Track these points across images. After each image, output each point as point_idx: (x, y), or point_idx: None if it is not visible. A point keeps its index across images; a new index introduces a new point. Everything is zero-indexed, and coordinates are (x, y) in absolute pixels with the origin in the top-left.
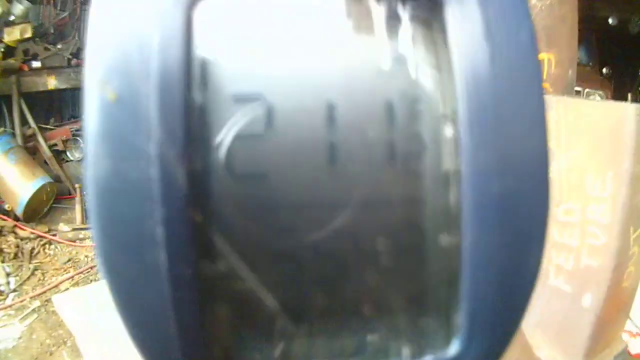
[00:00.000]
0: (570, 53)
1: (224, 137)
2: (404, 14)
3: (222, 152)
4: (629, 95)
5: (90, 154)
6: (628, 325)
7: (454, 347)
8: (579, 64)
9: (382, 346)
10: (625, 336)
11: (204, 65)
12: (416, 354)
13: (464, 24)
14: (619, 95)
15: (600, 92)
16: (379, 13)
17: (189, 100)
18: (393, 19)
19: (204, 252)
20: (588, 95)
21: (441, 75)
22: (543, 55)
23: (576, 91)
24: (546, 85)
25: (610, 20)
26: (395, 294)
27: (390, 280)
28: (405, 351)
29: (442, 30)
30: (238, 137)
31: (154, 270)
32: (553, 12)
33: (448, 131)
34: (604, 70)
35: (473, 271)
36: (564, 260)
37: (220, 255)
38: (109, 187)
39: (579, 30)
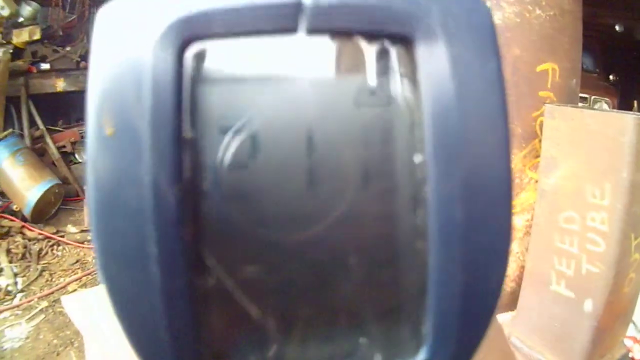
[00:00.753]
0: (574, 62)
1: (212, 164)
2: (377, 48)
3: (210, 177)
4: (635, 103)
5: (91, 180)
6: (632, 331)
7: (421, 355)
8: (585, 71)
9: (356, 353)
10: (628, 342)
11: (193, 101)
12: None
13: (431, 61)
14: (625, 102)
15: (607, 99)
16: (354, 49)
17: (179, 133)
18: (366, 54)
19: (195, 266)
20: (594, 102)
21: (411, 107)
22: (547, 65)
23: (582, 98)
24: (550, 94)
25: (616, 28)
26: (368, 305)
27: (364, 293)
28: (378, 358)
29: (412, 65)
30: (224, 164)
31: (148, 283)
32: (556, 22)
33: (417, 159)
34: (610, 77)
35: (438, 287)
36: (565, 266)
37: (209, 269)
38: (108, 209)
39: (585, 37)
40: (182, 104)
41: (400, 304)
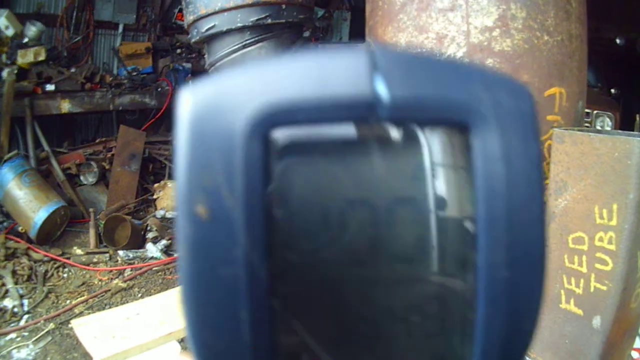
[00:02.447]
0: (580, 86)
1: (295, 241)
2: (438, 136)
3: (294, 254)
4: (637, 117)
5: (183, 257)
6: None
7: None
8: (587, 86)
9: None
10: (635, 354)
11: (279, 183)
12: None
13: (485, 145)
14: (627, 115)
15: (609, 114)
16: (419, 136)
17: (269, 214)
18: (431, 140)
19: (281, 330)
20: (597, 117)
21: (466, 186)
22: (555, 90)
23: (585, 113)
24: (558, 117)
25: (617, 41)
26: (424, 352)
27: (420, 341)
28: None
29: (468, 150)
30: (305, 242)
31: (240, 345)
32: (564, 47)
33: (470, 228)
34: (612, 91)
35: (485, 337)
36: (574, 285)
37: (293, 332)
38: (202, 283)
39: (588, 51)
40: (270, 188)
41: (451, 348)
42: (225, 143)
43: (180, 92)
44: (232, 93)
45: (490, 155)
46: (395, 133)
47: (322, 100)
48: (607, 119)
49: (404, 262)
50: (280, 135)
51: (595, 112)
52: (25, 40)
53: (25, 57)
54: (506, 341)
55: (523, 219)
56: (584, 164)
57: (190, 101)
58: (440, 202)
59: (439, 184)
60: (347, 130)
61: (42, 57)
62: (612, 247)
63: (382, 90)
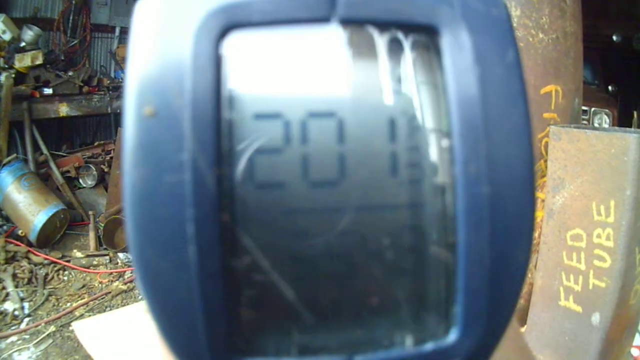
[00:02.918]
0: (576, 83)
1: (248, 149)
2: (406, 41)
3: (246, 162)
4: (635, 113)
5: (128, 162)
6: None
7: (452, 336)
8: (584, 83)
9: (388, 337)
10: (635, 352)
11: (231, 88)
12: (418, 343)
13: (456, 50)
14: (625, 112)
15: (607, 111)
16: (384, 41)
17: (217, 117)
18: (396, 46)
19: (230, 248)
20: (595, 114)
21: (437, 95)
22: (551, 87)
23: (582, 110)
24: (554, 115)
25: (614, 38)
26: (399, 290)
27: (394, 277)
28: (409, 340)
29: (438, 55)
30: (259, 150)
31: (184, 265)
32: (559, 45)
33: (444, 143)
34: (610, 88)
35: (467, 267)
36: (573, 282)
37: (244, 252)
38: (146, 191)
39: (583, 48)
40: (221, 90)
41: (429, 288)
42: (177, 43)
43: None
44: None
45: (462, 59)
46: (358, 36)
47: (276, 5)
48: (605, 116)
49: (373, 183)
50: (236, 38)
51: (592, 109)
52: (23, 44)
53: (22, 61)
54: (494, 273)
55: (503, 128)
56: (580, 161)
57: (144, 7)
58: (411, 113)
59: (410, 94)
60: (307, 33)
61: (39, 61)
62: (610, 243)
63: None
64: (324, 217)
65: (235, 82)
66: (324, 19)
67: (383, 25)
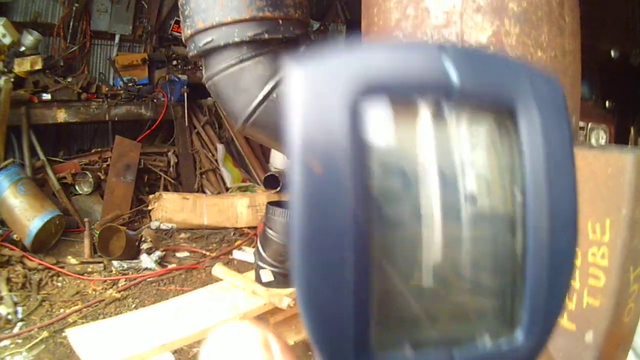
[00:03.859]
0: (573, 102)
1: (383, 197)
2: (496, 117)
3: (383, 207)
4: (632, 130)
5: (299, 209)
6: (631, 357)
7: (519, 336)
8: (582, 99)
9: (478, 336)
10: None
11: (372, 146)
12: (495, 340)
13: (529, 127)
14: (622, 128)
15: (604, 127)
16: (471, 116)
17: (369, 172)
18: (488, 120)
19: (376, 270)
20: (591, 130)
21: (515, 159)
22: None
23: (580, 128)
24: None
25: (612, 54)
26: (486, 303)
27: (480, 293)
28: (488, 338)
29: (516, 131)
30: (390, 197)
31: (341, 287)
32: (558, 63)
33: (519, 198)
34: (607, 103)
35: (531, 288)
36: (567, 300)
37: (385, 276)
38: (315, 231)
39: (582, 64)
40: (369, 151)
41: (504, 301)
42: (333, 114)
43: (290, 67)
44: (335, 73)
45: (534, 135)
46: (462, 112)
47: (409, 82)
48: (602, 132)
49: (470, 224)
50: (374, 108)
51: (589, 125)
52: (22, 48)
53: (22, 66)
54: (549, 293)
55: (560, 188)
56: (578, 180)
57: (302, 76)
58: (498, 175)
59: (498, 158)
60: (427, 110)
61: (38, 66)
62: (605, 262)
63: (454, 78)
64: (433, 253)
65: (374, 141)
66: (442, 103)
67: (481, 107)
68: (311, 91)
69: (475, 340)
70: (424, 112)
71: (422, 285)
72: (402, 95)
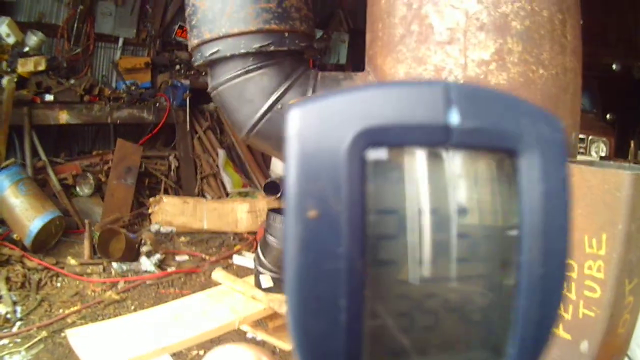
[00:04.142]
0: (573, 118)
1: (377, 239)
2: (496, 159)
3: (377, 249)
4: (632, 143)
5: (293, 251)
6: None
7: None
8: (582, 111)
9: None
10: None
11: (371, 193)
12: None
13: (529, 169)
14: (622, 141)
15: (604, 139)
16: (475, 158)
17: (365, 217)
18: (488, 162)
19: (369, 315)
20: (592, 142)
21: (513, 198)
22: None
23: (580, 139)
24: None
25: (614, 66)
26: (476, 337)
27: (469, 326)
28: None
29: (515, 171)
30: (384, 238)
31: (337, 327)
32: (559, 81)
33: (513, 234)
34: (608, 116)
35: (523, 321)
36: (563, 310)
37: (377, 315)
38: (309, 275)
39: (582, 76)
40: (367, 196)
41: (493, 331)
42: (331, 158)
43: (290, 110)
44: (335, 116)
45: (532, 175)
46: (461, 155)
47: (408, 126)
48: (602, 145)
49: (461, 262)
50: (373, 154)
51: (590, 137)
52: (26, 49)
53: (25, 66)
54: (539, 325)
55: (555, 227)
56: (575, 195)
57: (299, 120)
58: (493, 213)
59: (494, 198)
60: (424, 152)
61: (42, 67)
62: (601, 275)
63: (455, 119)
64: (423, 285)
65: (371, 186)
66: (439, 144)
67: (480, 148)
68: (310, 134)
69: None
70: (422, 152)
71: (413, 322)
72: (401, 139)
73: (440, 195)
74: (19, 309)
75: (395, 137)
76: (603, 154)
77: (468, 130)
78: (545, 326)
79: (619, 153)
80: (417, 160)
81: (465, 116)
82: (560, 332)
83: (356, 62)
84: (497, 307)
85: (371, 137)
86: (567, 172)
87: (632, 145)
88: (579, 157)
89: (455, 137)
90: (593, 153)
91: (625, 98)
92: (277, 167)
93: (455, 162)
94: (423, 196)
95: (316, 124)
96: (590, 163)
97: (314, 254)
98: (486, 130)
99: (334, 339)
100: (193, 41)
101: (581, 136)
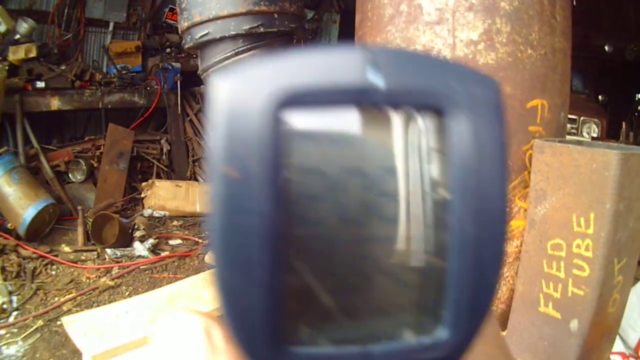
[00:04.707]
0: (562, 98)
1: (299, 197)
2: (421, 119)
3: (298, 207)
4: (624, 124)
5: (215, 209)
6: (621, 348)
7: (442, 333)
8: (574, 92)
9: (395, 332)
10: (617, 358)
11: (289, 151)
12: (418, 337)
13: (458, 129)
14: (614, 122)
15: (596, 120)
16: (404, 117)
17: (281, 175)
18: (413, 121)
19: (287, 269)
20: (584, 123)
21: (442, 160)
22: (537, 101)
23: (571, 120)
24: (539, 128)
25: (606, 48)
26: (405, 298)
27: (402, 289)
28: (411, 335)
29: (444, 131)
30: (307, 197)
31: (254, 281)
32: (547, 61)
33: (444, 195)
34: (600, 97)
35: (455, 284)
36: (553, 289)
37: (296, 271)
38: (229, 231)
39: (575, 58)
40: (282, 155)
41: (428, 297)
42: (249, 120)
43: (215, 78)
44: (255, 80)
45: (462, 135)
46: (386, 115)
47: (326, 86)
48: (594, 126)
49: (391, 222)
50: (294, 115)
51: (582, 118)
52: (17, 36)
53: (16, 54)
54: (474, 291)
55: (489, 188)
56: (563, 174)
57: (223, 87)
58: (423, 173)
59: (422, 159)
60: (347, 112)
61: (33, 54)
62: (589, 254)
63: (376, 79)
64: (351, 245)
65: (291, 146)
66: (360, 104)
67: (404, 108)
68: (231, 99)
69: (397, 336)
70: (343, 113)
71: (340, 283)
72: (324, 101)
73: (365, 155)
74: (14, 298)
75: (315, 99)
76: (595, 135)
77: (390, 90)
78: (483, 290)
79: (611, 134)
80: (338, 121)
81: (387, 76)
82: (550, 310)
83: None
84: (432, 270)
85: (289, 98)
86: (503, 132)
87: (623, 126)
88: (570, 138)
89: (377, 96)
90: (585, 134)
91: (618, 80)
92: None
93: (379, 121)
94: (347, 156)
95: (237, 88)
96: (579, 142)
97: (233, 212)
98: (409, 89)
99: (255, 296)
100: (183, 24)
101: (573, 117)
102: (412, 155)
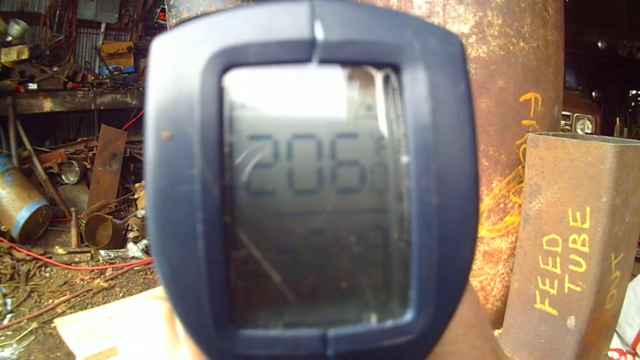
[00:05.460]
0: (556, 91)
1: (245, 164)
2: (376, 75)
3: (244, 175)
4: (617, 120)
5: (150, 175)
6: (618, 344)
7: (408, 316)
8: (568, 89)
9: (356, 315)
10: (614, 354)
11: (231, 115)
12: (381, 320)
13: (413, 85)
14: (608, 118)
15: (590, 117)
16: (357, 76)
17: (220, 140)
18: (368, 79)
19: (231, 243)
20: (577, 120)
21: (399, 121)
22: (530, 95)
23: (565, 116)
24: (533, 122)
25: (599, 44)
26: (366, 277)
27: (362, 267)
28: (373, 318)
29: (400, 88)
30: (254, 165)
31: (194, 256)
32: (540, 54)
33: (403, 160)
34: (593, 93)
35: (419, 261)
36: (549, 286)
37: (241, 246)
38: (164, 198)
39: (568, 54)
40: (223, 117)
41: (390, 277)
42: (187, 81)
43: (153, 41)
44: (193, 39)
45: (419, 92)
46: (334, 73)
47: (267, 43)
48: (588, 122)
49: (348, 192)
50: (235, 74)
51: (575, 115)
52: (9, 38)
53: (8, 56)
54: (440, 266)
55: (452, 150)
56: (557, 168)
57: (159, 47)
58: (378, 135)
59: (381, 121)
60: (295, 72)
61: (25, 56)
62: (586, 249)
63: (320, 34)
64: (305, 218)
65: (234, 110)
66: (306, 60)
67: (354, 64)
68: (167, 60)
69: (358, 319)
70: (289, 71)
71: (292, 261)
72: (268, 59)
73: (316, 117)
74: (9, 301)
75: (257, 56)
76: (589, 131)
77: (339, 44)
78: (451, 266)
79: (604, 130)
80: (284, 80)
81: (335, 30)
82: (546, 307)
83: None
84: (396, 245)
85: (229, 57)
86: (467, 88)
87: (617, 122)
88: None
89: (326, 52)
90: (578, 130)
91: (611, 76)
92: None
93: (330, 80)
94: (298, 120)
95: (174, 50)
96: (573, 136)
97: (169, 177)
98: (360, 43)
99: (195, 271)
100: (172, 21)
101: (567, 113)
102: (370, 118)
